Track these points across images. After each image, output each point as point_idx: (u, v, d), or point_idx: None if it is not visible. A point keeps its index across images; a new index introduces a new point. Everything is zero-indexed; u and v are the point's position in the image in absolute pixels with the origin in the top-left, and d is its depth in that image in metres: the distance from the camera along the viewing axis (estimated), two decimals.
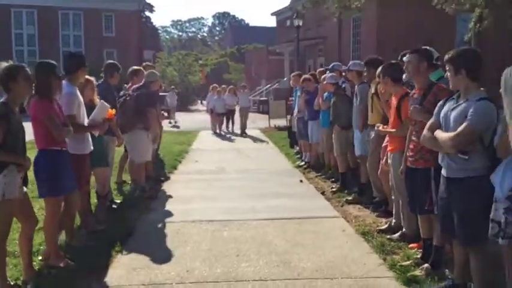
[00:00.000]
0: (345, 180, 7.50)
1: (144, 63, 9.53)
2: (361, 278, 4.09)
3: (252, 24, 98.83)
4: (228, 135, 16.98)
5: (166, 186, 7.98)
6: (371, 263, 4.42)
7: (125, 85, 7.53)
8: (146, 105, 6.91)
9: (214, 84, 19.21)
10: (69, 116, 4.47)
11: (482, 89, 3.20)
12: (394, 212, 5.33)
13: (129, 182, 7.66)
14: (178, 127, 20.14)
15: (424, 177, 3.97)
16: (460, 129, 3.17)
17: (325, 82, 7.95)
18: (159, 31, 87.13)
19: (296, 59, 23.29)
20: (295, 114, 10.48)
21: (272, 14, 41.24)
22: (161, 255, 4.69)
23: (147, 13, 55.37)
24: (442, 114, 3.43)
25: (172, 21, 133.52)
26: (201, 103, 41.20)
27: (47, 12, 39.01)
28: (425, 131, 3.62)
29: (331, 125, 7.78)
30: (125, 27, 39.88)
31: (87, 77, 5.03)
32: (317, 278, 4.08)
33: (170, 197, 7.25)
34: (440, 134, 3.35)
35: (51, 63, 4.21)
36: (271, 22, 39.88)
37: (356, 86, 6.76)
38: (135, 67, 7.63)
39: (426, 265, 4.06)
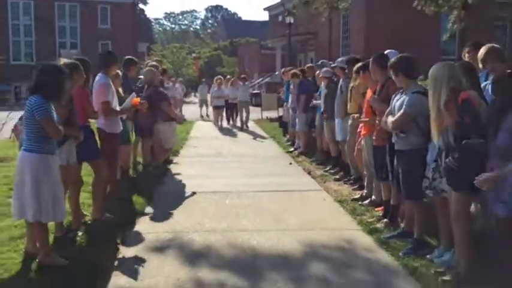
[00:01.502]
0: (336, 162, 8.55)
1: (153, 60, 10.61)
2: (335, 229, 5.28)
3: (244, 18, 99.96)
4: (224, 127, 17.04)
5: (172, 167, 9.10)
6: (344, 221, 5.62)
7: (140, 77, 8.61)
8: (157, 100, 7.90)
9: (218, 76, 18.93)
10: (105, 102, 5.60)
11: (420, 83, 4.39)
12: (365, 184, 6.53)
13: (141, 162, 8.79)
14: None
15: (382, 153, 5.16)
16: (397, 115, 4.38)
17: (320, 76, 9.01)
18: (152, 23, 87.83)
19: (287, 55, 24.33)
20: (289, 104, 11.56)
21: (265, 9, 42.31)
22: (176, 214, 5.86)
23: (141, 5, 56.34)
24: (392, 104, 4.64)
25: (165, 13, 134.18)
26: (195, 95, 42.08)
27: (44, 3, 39.69)
28: (383, 117, 4.80)
29: (322, 115, 8.83)
30: (120, 20, 40.75)
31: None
32: (301, 229, 5.27)
33: (177, 174, 8.39)
34: (388, 119, 4.56)
35: (88, 60, 5.32)
36: (264, 16, 40.92)
37: (341, 80, 7.88)
38: (153, 62, 8.76)
39: (385, 220, 5.27)
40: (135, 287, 3.83)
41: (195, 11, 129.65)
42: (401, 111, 4.36)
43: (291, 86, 11.12)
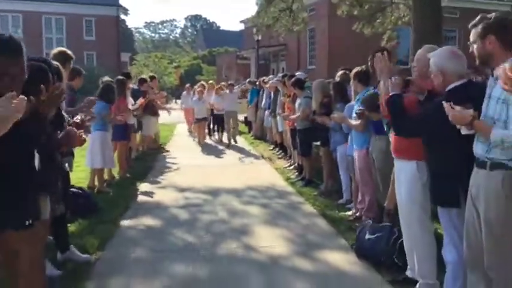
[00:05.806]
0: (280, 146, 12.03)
1: (150, 75, 14.01)
2: (266, 180, 8.74)
3: (222, 27, 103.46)
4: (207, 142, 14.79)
5: (162, 152, 12.48)
6: (274, 177, 9.16)
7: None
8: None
9: (200, 83, 16.49)
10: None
11: (308, 91, 7.88)
12: (292, 157, 10.00)
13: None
14: None
15: (294, 132, 8.62)
16: (299, 114, 7.88)
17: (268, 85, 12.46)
18: (133, 32, 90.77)
19: (257, 65, 27.95)
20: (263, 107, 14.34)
21: (240, 22, 45.80)
22: (172, 177, 9.23)
23: (122, 16, 59.19)
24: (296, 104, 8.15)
25: (145, 22, 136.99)
26: (175, 102, 45.17)
27: (32, 16, 42.42)
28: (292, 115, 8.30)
29: (270, 113, 12.32)
30: (104, 31, 43.54)
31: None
32: (248, 179, 8.72)
33: (167, 156, 11.78)
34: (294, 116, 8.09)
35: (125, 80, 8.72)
36: (241, 26, 44.06)
37: (281, 89, 11.32)
38: (146, 76, 12.29)
39: (296, 173, 8.77)
40: (152, 201, 7.20)
41: (174, 20, 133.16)
42: (301, 112, 7.86)
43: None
